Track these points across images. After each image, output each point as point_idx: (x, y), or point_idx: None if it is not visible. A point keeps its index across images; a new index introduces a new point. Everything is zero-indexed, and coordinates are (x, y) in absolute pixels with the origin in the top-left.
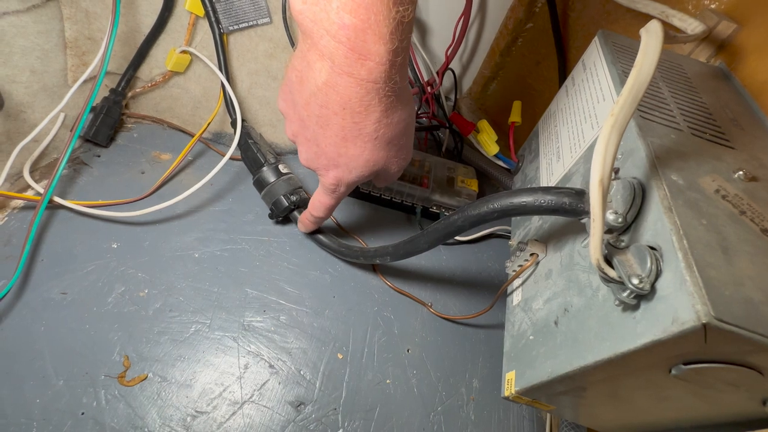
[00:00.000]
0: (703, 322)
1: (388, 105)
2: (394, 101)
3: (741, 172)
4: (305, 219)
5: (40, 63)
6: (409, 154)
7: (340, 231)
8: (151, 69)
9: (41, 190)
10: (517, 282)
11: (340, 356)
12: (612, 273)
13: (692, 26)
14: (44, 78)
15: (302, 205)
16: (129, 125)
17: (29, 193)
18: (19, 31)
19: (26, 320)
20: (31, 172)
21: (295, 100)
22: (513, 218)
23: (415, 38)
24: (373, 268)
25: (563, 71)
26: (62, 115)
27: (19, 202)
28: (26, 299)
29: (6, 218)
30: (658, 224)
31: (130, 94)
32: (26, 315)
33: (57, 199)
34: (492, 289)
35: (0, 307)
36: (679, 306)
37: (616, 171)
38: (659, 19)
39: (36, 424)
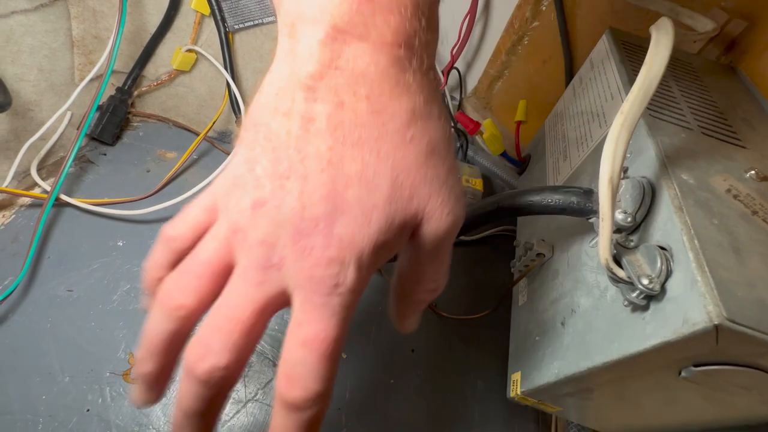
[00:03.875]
0: (715, 323)
1: (428, 86)
2: (433, 88)
3: (753, 172)
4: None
5: (48, 61)
6: (463, 198)
7: None
8: (157, 68)
9: (48, 188)
10: (522, 282)
11: (343, 356)
12: (621, 273)
13: (702, 24)
14: (52, 76)
15: None
16: (135, 124)
17: (36, 191)
18: (28, 30)
19: (33, 317)
20: (38, 170)
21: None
22: (519, 218)
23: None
24: (377, 268)
25: (570, 70)
26: (69, 114)
27: (27, 200)
28: (33, 296)
29: (13, 216)
30: (669, 224)
31: (136, 93)
32: (33, 312)
33: (63, 197)
34: (497, 289)
35: (7, 304)
36: (690, 307)
37: (625, 170)
38: (669, 17)
39: (42, 420)
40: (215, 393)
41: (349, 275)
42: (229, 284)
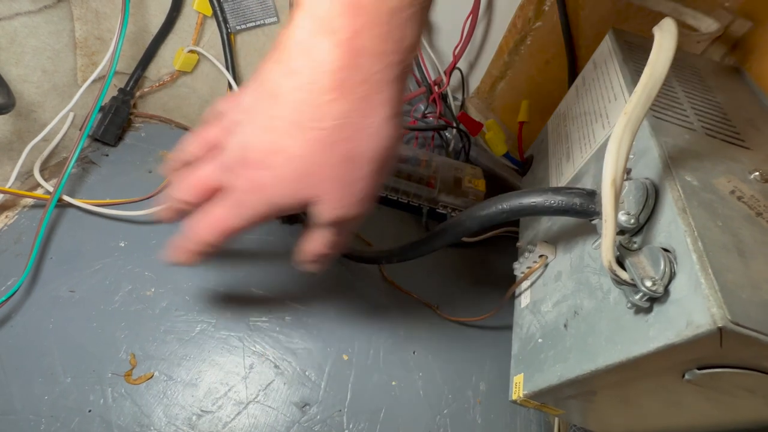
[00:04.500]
0: (719, 326)
1: (370, 102)
2: (380, 103)
3: (757, 173)
4: (180, 243)
5: (51, 63)
6: (369, 199)
7: None
8: (159, 69)
9: (51, 189)
10: (525, 284)
11: (345, 357)
12: (624, 275)
13: (706, 24)
14: (55, 78)
15: None
16: (137, 124)
17: (39, 192)
18: (31, 32)
19: (35, 317)
20: (41, 170)
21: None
22: (522, 219)
23: (422, 37)
24: (379, 269)
25: (573, 70)
26: (72, 115)
27: (29, 201)
28: (35, 296)
29: (16, 216)
30: (672, 226)
31: (138, 94)
32: (35, 312)
33: (66, 198)
34: (499, 291)
35: (10, 304)
36: (693, 309)
37: (629, 171)
38: (672, 17)
39: (44, 420)
40: (177, 209)
41: (257, 207)
42: (205, 158)
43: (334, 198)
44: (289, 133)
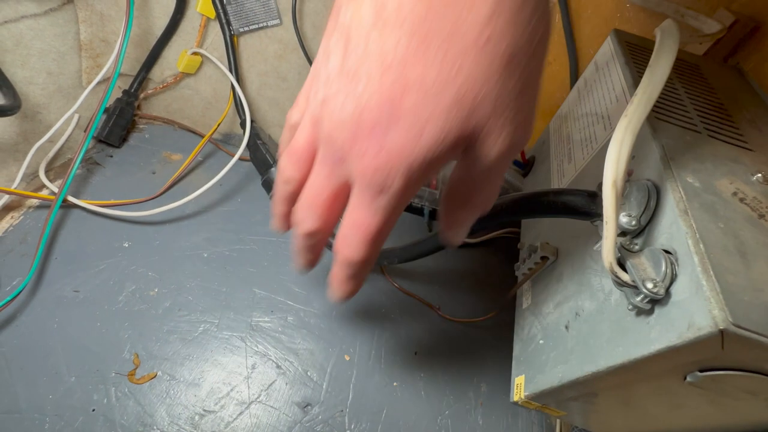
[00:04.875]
0: (721, 328)
1: None
2: None
3: (759, 175)
4: (336, 274)
5: (56, 65)
6: (533, 117)
7: None
8: (162, 70)
9: (56, 190)
10: (526, 285)
11: (347, 358)
12: (625, 277)
13: (708, 26)
14: (60, 80)
15: None
16: (141, 126)
17: (44, 193)
18: (37, 34)
19: (40, 317)
20: (46, 171)
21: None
22: (523, 220)
23: None
24: (381, 270)
25: (575, 72)
26: (76, 116)
27: (35, 201)
28: (40, 296)
29: (22, 217)
30: (674, 227)
31: (142, 96)
32: (40, 312)
33: (71, 199)
34: (500, 292)
35: (15, 304)
36: (695, 311)
37: (630, 173)
38: (674, 19)
39: (49, 419)
40: (312, 243)
41: (396, 183)
42: (312, 171)
43: (503, 121)
44: (411, 57)
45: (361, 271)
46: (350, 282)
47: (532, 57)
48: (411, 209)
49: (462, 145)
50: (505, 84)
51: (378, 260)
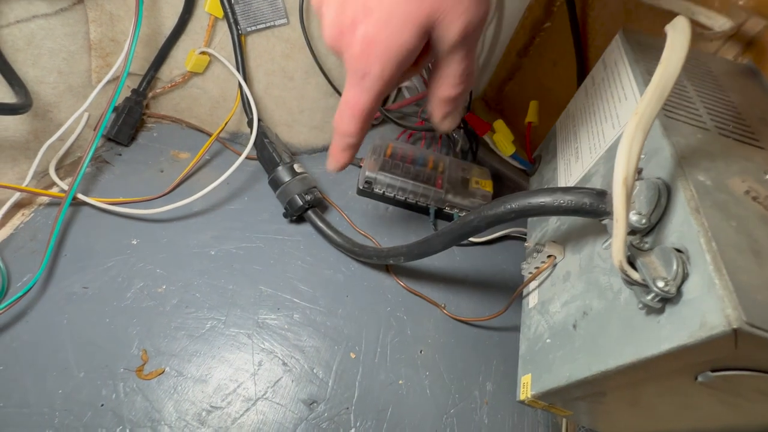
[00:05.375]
0: (734, 327)
1: None
2: None
3: None
4: (333, 145)
5: (67, 64)
6: (477, 4)
7: (354, 231)
8: (171, 70)
9: (66, 188)
10: (533, 284)
11: (352, 356)
12: (635, 275)
13: (719, 23)
14: (70, 79)
15: (316, 204)
16: (149, 125)
17: (54, 190)
18: (48, 34)
19: (50, 313)
20: (57, 169)
21: None
22: (529, 219)
23: None
24: (387, 269)
25: (582, 71)
26: (86, 115)
27: (45, 199)
28: (50, 293)
29: (32, 214)
30: (685, 226)
31: (150, 95)
32: (50, 308)
33: (80, 196)
34: (506, 291)
35: (26, 300)
36: (707, 310)
37: (640, 171)
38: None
39: (58, 414)
40: (350, 142)
41: (374, 67)
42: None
43: (453, 3)
44: None
45: (353, 144)
46: (344, 153)
47: None
48: (417, 208)
49: (424, 28)
50: None
51: (384, 259)
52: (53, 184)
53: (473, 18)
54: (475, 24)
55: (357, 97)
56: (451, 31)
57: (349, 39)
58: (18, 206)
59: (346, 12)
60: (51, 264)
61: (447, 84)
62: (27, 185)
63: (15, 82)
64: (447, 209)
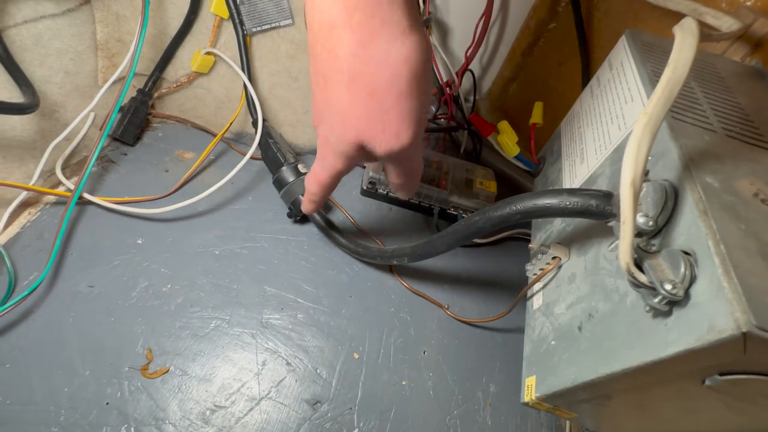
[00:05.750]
0: (743, 330)
1: (364, 27)
2: (376, 26)
3: None
4: (305, 198)
5: (73, 64)
6: (405, 128)
7: (358, 231)
8: (176, 70)
9: (72, 187)
10: (537, 286)
11: (356, 356)
12: (642, 278)
13: (727, 24)
14: (76, 79)
15: None
16: (154, 125)
17: (61, 189)
18: (55, 34)
19: (56, 311)
20: (63, 169)
21: None
22: (534, 220)
23: (434, 39)
24: (390, 269)
25: (587, 72)
26: (92, 115)
27: (51, 198)
28: (56, 291)
29: (39, 213)
30: (693, 228)
31: (156, 95)
32: (56, 306)
33: (86, 196)
34: (510, 292)
35: (32, 299)
36: (715, 313)
37: (647, 173)
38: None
39: (64, 412)
40: (314, 199)
41: (328, 157)
42: None
43: (375, 134)
44: (325, 85)
45: (316, 200)
46: (311, 203)
47: (389, 86)
48: (421, 209)
49: (355, 144)
50: (369, 109)
51: (388, 259)
52: (59, 183)
53: (394, 146)
54: (397, 150)
55: (318, 171)
56: (376, 151)
57: (317, 129)
58: (25, 205)
59: (317, 108)
60: (57, 263)
61: (389, 175)
62: (33, 184)
63: (22, 81)
64: (451, 210)
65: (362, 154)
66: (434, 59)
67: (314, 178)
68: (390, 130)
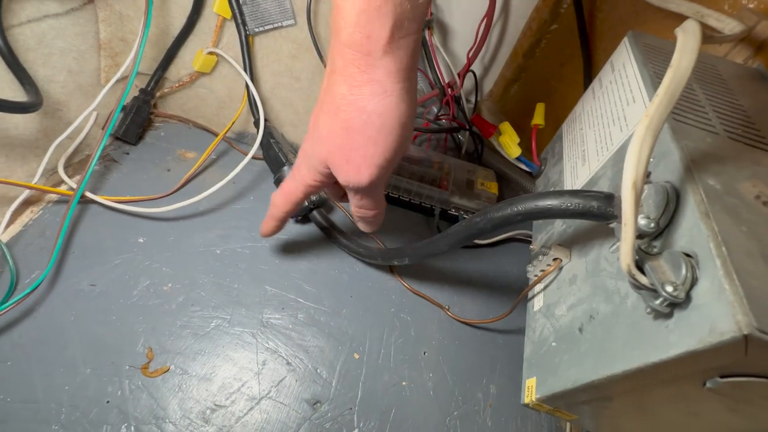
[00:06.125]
0: (745, 333)
1: (355, 79)
2: (364, 80)
3: None
4: (266, 217)
5: (76, 63)
6: (366, 168)
7: (358, 231)
8: (178, 70)
9: (74, 186)
10: (538, 287)
11: (356, 356)
12: (643, 280)
13: (730, 26)
14: (79, 78)
15: (321, 204)
16: (157, 124)
17: (63, 188)
18: (59, 33)
19: (58, 310)
20: (65, 167)
21: None
22: (535, 222)
23: (436, 39)
24: (391, 270)
25: (589, 73)
26: (95, 114)
27: (54, 196)
28: (58, 289)
29: (41, 211)
30: (694, 230)
31: (158, 94)
32: (58, 304)
33: (88, 194)
34: (511, 293)
35: (34, 297)
36: (717, 316)
37: (649, 175)
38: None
39: (64, 409)
40: (275, 213)
41: (302, 169)
42: None
43: (340, 163)
44: (319, 111)
45: (278, 216)
46: (270, 219)
47: (363, 128)
48: (421, 210)
49: (323, 164)
50: (341, 139)
51: (389, 260)
52: (62, 182)
53: (352, 180)
54: (353, 184)
55: (288, 182)
56: (338, 177)
57: (303, 143)
58: (27, 203)
59: (310, 125)
60: (59, 261)
61: (351, 204)
62: (36, 183)
63: (26, 80)
64: (452, 211)
65: (328, 176)
66: (436, 60)
67: (281, 190)
68: (352, 164)
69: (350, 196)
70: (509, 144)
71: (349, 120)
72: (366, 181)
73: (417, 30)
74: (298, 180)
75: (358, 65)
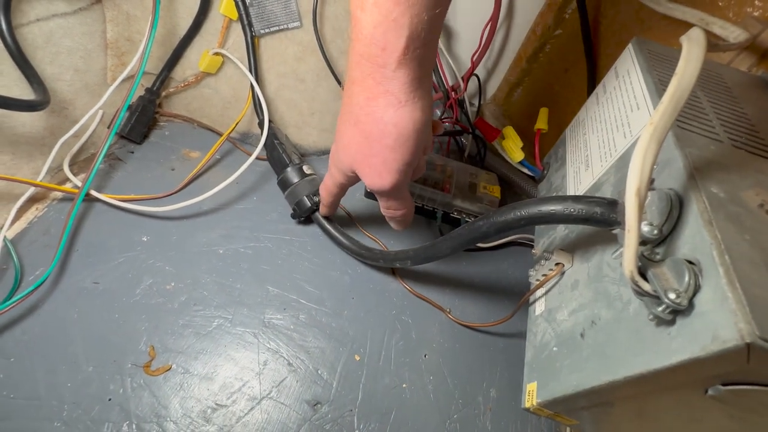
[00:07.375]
0: (747, 341)
1: (371, 90)
2: (380, 92)
3: None
4: (320, 204)
5: (83, 62)
6: (386, 173)
7: (361, 233)
8: (184, 70)
9: (79, 184)
10: (540, 291)
11: (357, 358)
12: (646, 286)
13: (734, 34)
14: (86, 77)
15: None
16: (161, 123)
17: (68, 186)
18: (66, 32)
19: (62, 307)
20: (70, 165)
21: None
22: (537, 226)
23: (440, 43)
24: (393, 272)
25: (593, 79)
26: (101, 113)
27: (59, 194)
28: (62, 287)
29: (46, 209)
30: (697, 238)
31: (164, 94)
32: (62, 302)
33: (93, 193)
34: (512, 297)
35: (38, 294)
36: (719, 323)
37: (652, 181)
38: (699, 27)
39: (67, 407)
40: (324, 202)
41: (333, 169)
42: None
43: (363, 168)
44: (342, 120)
45: (326, 203)
46: (323, 207)
47: (381, 138)
48: (424, 212)
49: (349, 169)
50: (362, 148)
51: (391, 262)
52: (67, 179)
53: (376, 184)
54: (378, 188)
55: (326, 179)
56: (364, 181)
57: (333, 146)
58: (32, 201)
59: (337, 131)
60: (63, 258)
61: (381, 207)
62: (41, 180)
63: (34, 79)
64: (454, 214)
65: (356, 177)
66: (440, 64)
67: (323, 185)
68: (374, 170)
69: (378, 198)
70: (512, 148)
71: (368, 130)
72: (388, 185)
73: (433, 39)
74: (332, 179)
75: (374, 77)
